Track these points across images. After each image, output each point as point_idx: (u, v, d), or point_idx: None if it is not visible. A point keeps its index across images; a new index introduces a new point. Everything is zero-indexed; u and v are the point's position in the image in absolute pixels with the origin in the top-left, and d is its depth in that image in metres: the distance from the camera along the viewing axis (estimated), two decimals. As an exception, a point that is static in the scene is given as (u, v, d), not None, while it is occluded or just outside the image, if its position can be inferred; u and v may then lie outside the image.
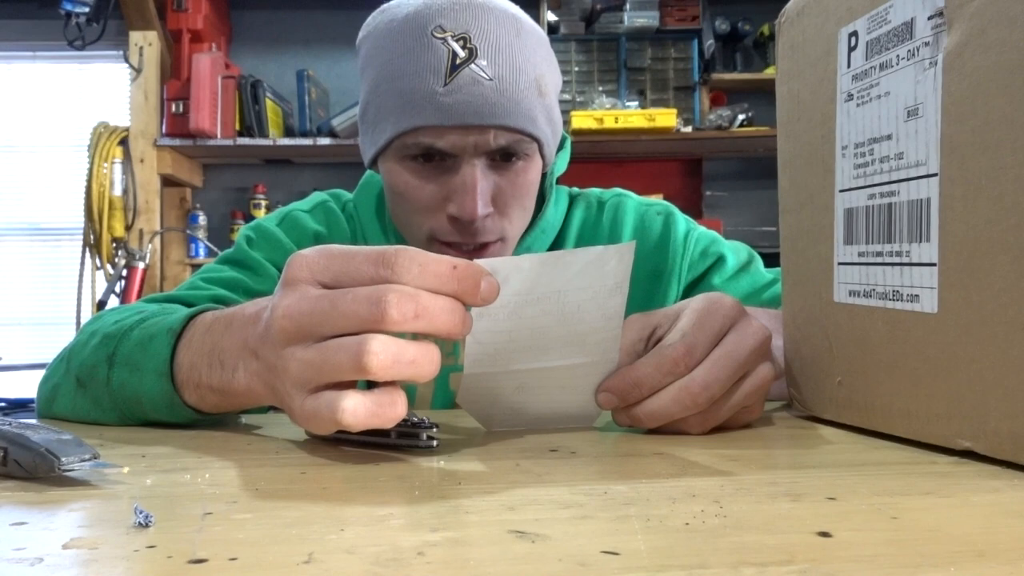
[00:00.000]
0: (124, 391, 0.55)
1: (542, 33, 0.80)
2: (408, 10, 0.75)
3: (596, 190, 0.95)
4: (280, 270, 0.80)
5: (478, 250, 0.77)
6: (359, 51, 0.81)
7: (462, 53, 0.71)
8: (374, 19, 0.80)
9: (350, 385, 0.40)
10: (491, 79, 0.71)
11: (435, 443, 0.46)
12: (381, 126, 0.75)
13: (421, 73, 0.71)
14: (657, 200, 0.95)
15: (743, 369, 0.49)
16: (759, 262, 0.90)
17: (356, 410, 0.39)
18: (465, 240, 0.76)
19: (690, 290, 0.87)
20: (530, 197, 0.80)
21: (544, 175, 0.85)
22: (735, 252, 0.89)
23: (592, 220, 0.91)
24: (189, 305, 0.70)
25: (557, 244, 0.89)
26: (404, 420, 0.46)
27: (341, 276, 0.41)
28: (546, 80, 0.77)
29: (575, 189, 0.95)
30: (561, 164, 0.89)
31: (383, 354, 0.38)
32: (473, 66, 0.71)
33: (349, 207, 0.90)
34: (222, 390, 0.49)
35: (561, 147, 0.88)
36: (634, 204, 0.92)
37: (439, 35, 0.72)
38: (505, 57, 0.73)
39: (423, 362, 0.40)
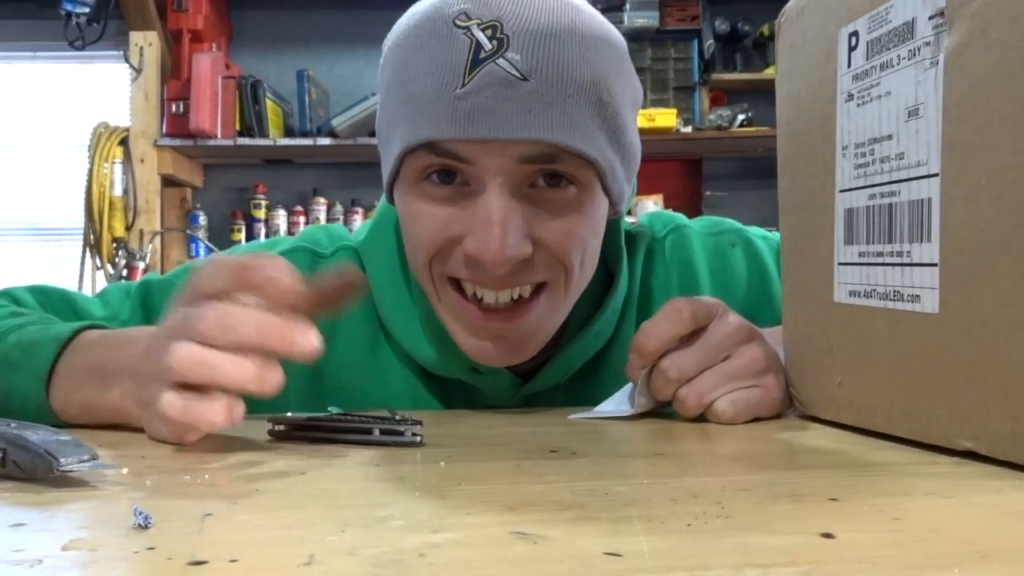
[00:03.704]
0: None
1: (617, 36, 0.62)
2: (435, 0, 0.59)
3: (645, 219, 0.79)
4: None
5: (513, 308, 0.60)
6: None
7: (488, 45, 0.54)
8: (401, 19, 0.63)
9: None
10: (524, 77, 0.54)
11: (419, 439, 0.47)
12: (392, 144, 0.60)
13: (435, 72, 0.55)
14: (712, 220, 0.79)
15: (724, 346, 0.56)
16: None
17: (173, 403, 0.44)
18: (486, 283, 0.58)
19: None
20: (594, 240, 0.62)
21: (610, 224, 0.67)
22: None
23: (654, 261, 0.75)
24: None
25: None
26: (387, 417, 0.48)
27: None
28: (613, 89, 0.58)
29: (628, 224, 0.76)
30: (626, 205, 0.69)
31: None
32: (501, 60, 0.54)
33: (333, 259, 0.72)
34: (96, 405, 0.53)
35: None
36: (697, 237, 0.76)
37: (462, 23, 0.55)
38: (548, 49, 0.55)
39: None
